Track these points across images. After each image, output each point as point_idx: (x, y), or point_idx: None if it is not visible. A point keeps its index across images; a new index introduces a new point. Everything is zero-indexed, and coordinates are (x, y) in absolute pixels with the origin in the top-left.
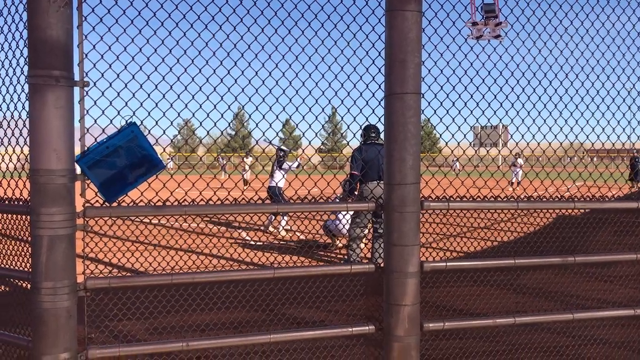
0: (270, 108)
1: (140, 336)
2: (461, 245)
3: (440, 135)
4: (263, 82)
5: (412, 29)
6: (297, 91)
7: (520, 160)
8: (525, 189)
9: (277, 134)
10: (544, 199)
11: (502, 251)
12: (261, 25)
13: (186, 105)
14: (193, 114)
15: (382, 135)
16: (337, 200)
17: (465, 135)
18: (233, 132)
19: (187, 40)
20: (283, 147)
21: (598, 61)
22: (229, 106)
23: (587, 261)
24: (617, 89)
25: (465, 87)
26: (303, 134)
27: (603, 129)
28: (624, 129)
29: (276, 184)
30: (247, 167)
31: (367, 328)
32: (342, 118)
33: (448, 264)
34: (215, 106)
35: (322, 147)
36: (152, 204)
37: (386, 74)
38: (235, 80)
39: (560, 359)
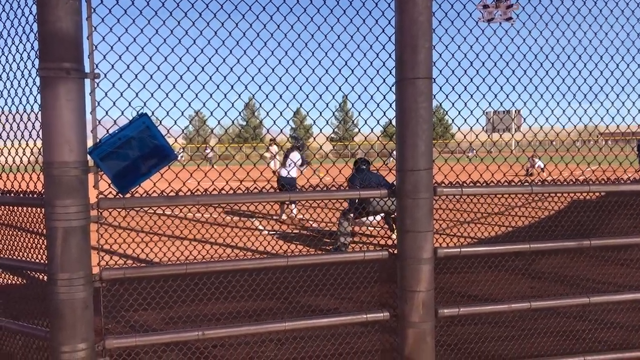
0: (281, 96)
1: (156, 326)
2: (475, 231)
3: (453, 120)
4: (273, 70)
5: (422, 12)
6: (307, 79)
7: (539, 162)
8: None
9: (287, 122)
10: (558, 183)
11: (517, 236)
12: (270, 12)
13: (197, 95)
14: (204, 104)
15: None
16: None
17: (477, 120)
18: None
19: (196, 30)
20: (295, 135)
21: (612, 42)
22: (239, 95)
23: (603, 245)
24: (632, 70)
25: (477, 71)
26: (314, 121)
27: (618, 110)
28: (639, 111)
29: (288, 172)
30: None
31: (382, 315)
32: (352, 105)
33: (462, 249)
34: (225, 95)
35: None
36: (165, 194)
37: (397, 59)
38: (245, 69)
39: (576, 343)
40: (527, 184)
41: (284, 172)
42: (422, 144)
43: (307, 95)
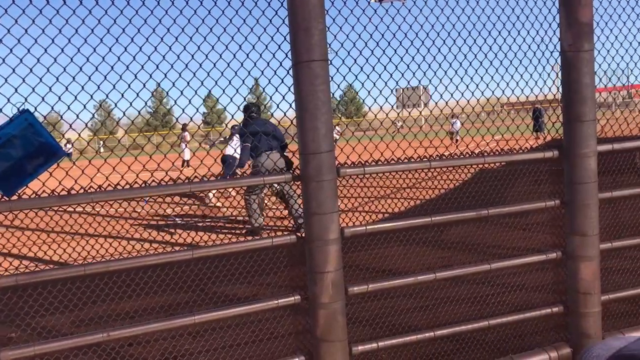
0: (188, 83)
1: (66, 330)
2: (386, 206)
3: (364, 100)
4: (178, 56)
5: None
6: (214, 64)
7: (458, 122)
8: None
9: (197, 109)
10: (455, 156)
11: (425, 209)
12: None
13: (98, 87)
14: (107, 95)
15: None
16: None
17: (387, 99)
18: (152, 111)
19: (94, 19)
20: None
21: (499, 17)
22: (144, 85)
23: (500, 213)
24: (518, 44)
25: (384, 51)
26: (225, 108)
27: (517, 83)
28: (536, 82)
29: (234, 150)
30: (185, 145)
31: (293, 299)
32: (264, 90)
33: (368, 227)
34: (129, 85)
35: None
36: (57, 194)
37: (291, 42)
38: (149, 57)
39: (483, 307)
40: (425, 159)
41: (230, 151)
42: (322, 126)
43: (216, 82)
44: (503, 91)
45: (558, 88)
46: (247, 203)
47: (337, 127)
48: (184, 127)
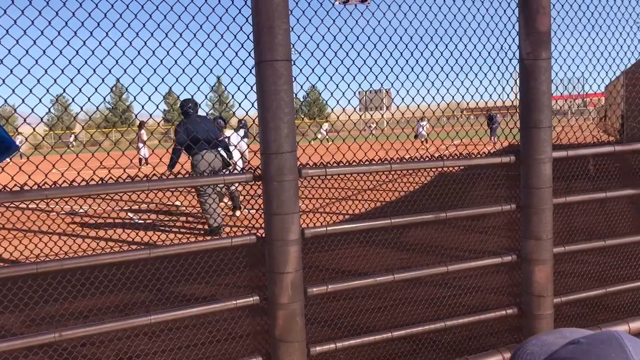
0: (148, 79)
1: (16, 329)
2: (347, 208)
3: (326, 101)
4: (138, 52)
5: None
6: (175, 61)
7: (424, 124)
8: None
9: (157, 106)
10: (416, 160)
11: (386, 211)
12: None
13: (55, 81)
14: (64, 90)
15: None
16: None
17: (349, 101)
18: (111, 107)
19: (51, 10)
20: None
21: (460, 23)
22: (102, 80)
23: (458, 216)
24: (479, 50)
25: (347, 53)
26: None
27: (476, 89)
28: (495, 89)
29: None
30: (142, 144)
31: (252, 299)
32: (225, 88)
33: (328, 228)
34: (87, 80)
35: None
36: (9, 190)
37: (254, 41)
38: (108, 52)
39: (440, 309)
40: (386, 162)
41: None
42: (284, 126)
43: (177, 79)
44: (463, 97)
45: (516, 95)
46: (202, 205)
47: (324, 126)
48: (141, 125)
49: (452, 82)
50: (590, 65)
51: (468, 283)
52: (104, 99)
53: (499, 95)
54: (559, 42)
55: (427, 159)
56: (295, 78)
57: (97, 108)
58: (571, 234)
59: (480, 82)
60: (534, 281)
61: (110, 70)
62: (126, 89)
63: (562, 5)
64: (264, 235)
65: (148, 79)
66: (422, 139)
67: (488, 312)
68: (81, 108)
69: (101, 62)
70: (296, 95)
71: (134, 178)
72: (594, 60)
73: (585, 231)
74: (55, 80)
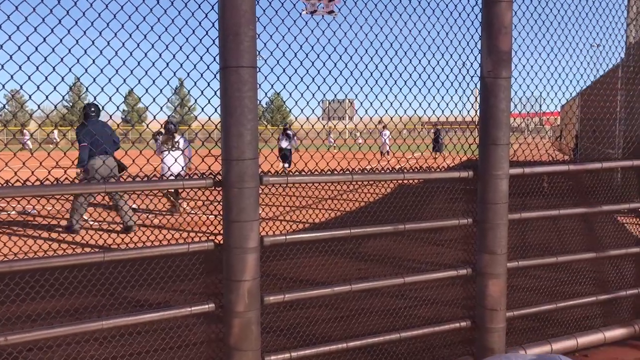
0: (110, 80)
1: None
2: (307, 216)
3: (290, 110)
4: (101, 52)
5: (245, 0)
6: (138, 62)
7: (386, 133)
8: (398, 159)
9: (117, 107)
10: (377, 171)
11: (346, 221)
12: None
13: (12, 77)
14: (21, 86)
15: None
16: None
17: (313, 111)
18: (70, 105)
19: (10, 5)
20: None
21: (424, 39)
22: (62, 78)
23: (416, 228)
24: (442, 66)
25: (313, 63)
26: (147, 108)
27: (438, 104)
28: (456, 104)
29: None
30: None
31: (207, 306)
32: (189, 92)
33: (288, 237)
34: (46, 78)
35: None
36: None
37: (220, 46)
38: (69, 50)
39: (396, 319)
40: (348, 172)
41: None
42: (247, 133)
43: (139, 80)
44: (424, 111)
45: (476, 111)
46: (74, 205)
47: (331, 135)
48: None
49: (415, 96)
50: (548, 85)
51: (424, 295)
52: (63, 97)
53: (460, 111)
54: (519, 62)
55: (388, 170)
56: (260, 85)
57: (55, 107)
58: (525, 249)
59: (442, 97)
60: (488, 295)
61: (70, 69)
62: (86, 88)
63: (524, 26)
64: (222, 242)
65: (109, 80)
66: (385, 151)
67: (442, 324)
68: (38, 106)
69: (61, 60)
70: (260, 102)
71: (90, 180)
72: (551, 80)
73: (538, 247)
74: (12, 77)
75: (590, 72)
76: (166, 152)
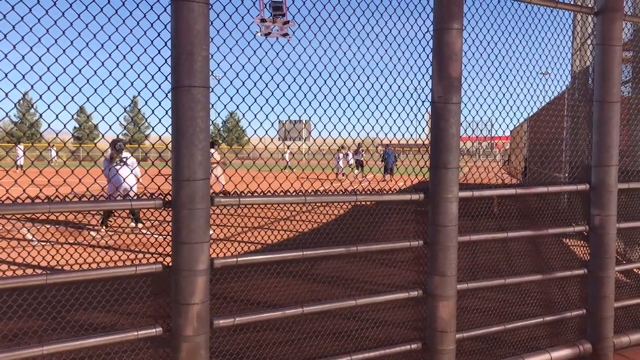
0: (57, 97)
1: None
2: (259, 237)
3: (244, 129)
4: (48, 68)
5: (198, 20)
6: (87, 80)
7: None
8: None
9: (64, 125)
10: (330, 193)
11: (300, 241)
12: (46, 7)
13: None
14: None
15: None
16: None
17: (267, 132)
18: (17, 121)
19: None
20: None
21: (377, 64)
22: (6, 94)
23: (368, 250)
24: (394, 91)
25: (267, 84)
26: (95, 126)
27: (390, 127)
28: (407, 128)
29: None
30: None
31: (154, 330)
32: (139, 110)
33: (239, 259)
34: None
35: (122, 138)
36: None
37: (173, 65)
38: (23, 57)
39: (348, 342)
40: (301, 193)
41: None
42: (198, 153)
43: (88, 99)
44: (377, 134)
45: (427, 135)
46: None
47: (286, 155)
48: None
49: (368, 119)
50: (497, 110)
51: (376, 316)
52: (7, 114)
53: (411, 135)
54: (468, 88)
55: (341, 192)
56: (213, 105)
57: (1, 120)
58: (474, 271)
59: (394, 120)
60: (438, 317)
61: (15, 85)
62: (32, 105)
63: (473, 54)
64: (170, 263)
65: (57, 97)
66: (341, 172)
67: (393, 347)
68: None
69: (6, 75)
70: (213, 122)
71: (34, 199)
72: (500, 106)
73: (487, 268)
74: None
75: (538, 99)
76: (114, 171)
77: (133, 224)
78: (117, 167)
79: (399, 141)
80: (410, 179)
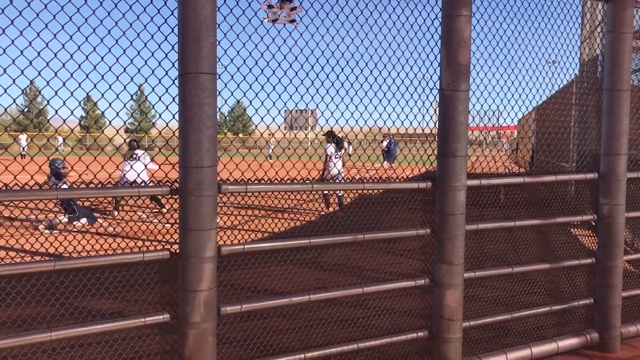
0: (64, 84)
1: None
2: (266, 225)
3: (250, 117)
4: (55, 54)
5: (205, 6)
6: (94, 67)
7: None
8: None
9: (71, 112)
10: (337, 181)
11: (306, 230)
12: None
13: None
14: None
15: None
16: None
17: (274, 119)
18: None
19: None
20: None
21: (385, 51)
22: (13, 80)
23: (375, 238)
24: (402, 78)
25: (274, 71)
26: (102, 113)
27: (398, 115)
28: (415, 116)
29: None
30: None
31: (162, 317)
32: (146, 97)
33: (246, 246)
34: None
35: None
36: None
37: (180, 52)
38: (22, 52)
39: (354, 330)
40: (308, 181)
41: (127, 168)
42: (206, 140)
43: (95, 85)
44: (385, 122)
45: (435, 123)
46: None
47: (270, 143)
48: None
49: (375, 107)
50: (505, 99)
51: (382, 304)
52: (14, 100)
53: (419, 123)
54: (477, 75)
55: (348, 180)
56: (219, 92)
57: (6, 110)
58: (481, 259)
59: (402, 108)
60: (445, 305)
61: (22, 72)
62: (39, 92)
63: (482, 41)
64: (178, 251)
65: (64, 83)
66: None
67: (400, 335)
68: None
69: (13, 62)
70: (220, 109)
71: (42, 185)
72: (508, 94)
73: (494, 257)
74: None
75: (546, 87)
76: (128, 166)
77: (157, 210)
78: (132, 162)
79: (406, 130)
80: (417, 168)
